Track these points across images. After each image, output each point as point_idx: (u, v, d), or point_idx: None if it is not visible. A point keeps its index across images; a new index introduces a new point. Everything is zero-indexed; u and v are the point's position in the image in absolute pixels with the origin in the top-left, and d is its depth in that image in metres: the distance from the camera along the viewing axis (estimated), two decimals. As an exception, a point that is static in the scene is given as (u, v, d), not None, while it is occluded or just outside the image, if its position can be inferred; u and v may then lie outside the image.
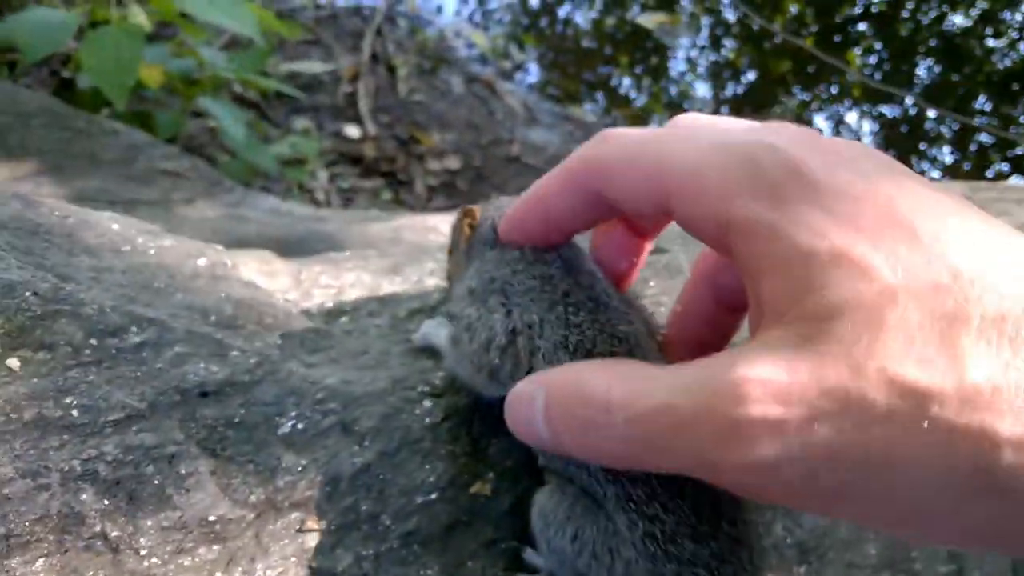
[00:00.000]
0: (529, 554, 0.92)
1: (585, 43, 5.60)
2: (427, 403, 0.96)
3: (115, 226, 1.08)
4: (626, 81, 5.33)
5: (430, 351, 1.04)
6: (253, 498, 0.84)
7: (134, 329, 0.87)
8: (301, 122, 3.56)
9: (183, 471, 0.82)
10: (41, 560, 0.77)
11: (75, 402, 0.81)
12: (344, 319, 1.16)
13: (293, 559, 0.84)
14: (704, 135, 0.68)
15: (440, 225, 2.05)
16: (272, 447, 0.87)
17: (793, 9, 5.53)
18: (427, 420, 0.94)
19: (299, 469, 0.87)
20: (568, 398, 0.72)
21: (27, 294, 0.85)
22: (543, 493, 0.89)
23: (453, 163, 3.69)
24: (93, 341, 0.85)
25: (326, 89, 3.80)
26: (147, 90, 3.05)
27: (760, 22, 4.87)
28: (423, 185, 3.61)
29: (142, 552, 0.79)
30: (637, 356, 0.85)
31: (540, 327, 0.88)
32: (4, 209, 1.01)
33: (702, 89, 5.35)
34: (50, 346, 0.83)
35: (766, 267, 0.60)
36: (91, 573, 0.78)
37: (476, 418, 0.96)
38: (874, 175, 0.60)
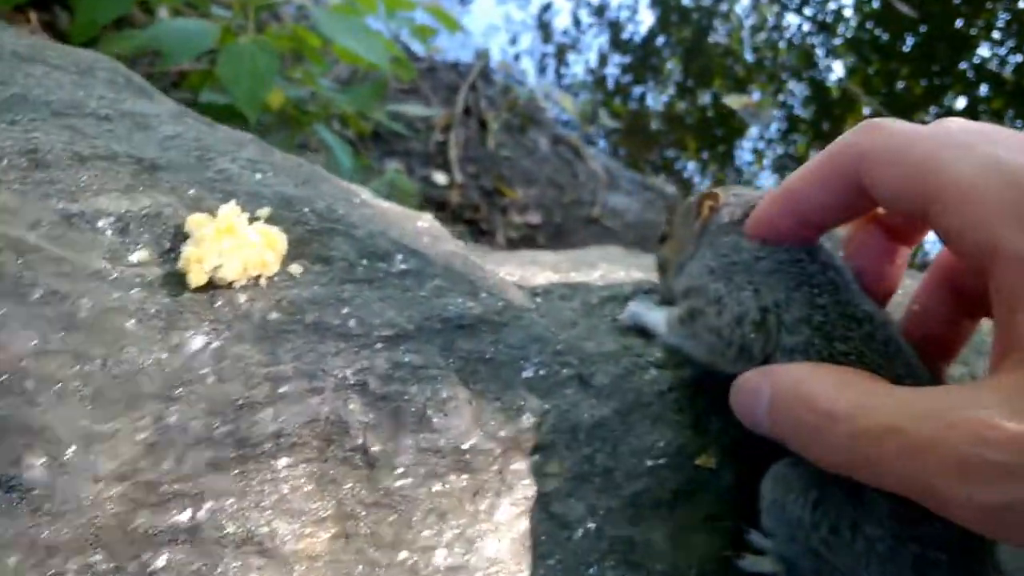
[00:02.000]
0: (755, 535, 0.89)
1: (655, 125, 5.69)
2: (653, 371, 0.95)
3: (340, 181, 1.10)
4: (691, 165, 5.40)
5: (638, 331, 1.03)
6: (502, 433, 0.83)
7: (400, 256, 0.87)
8: (393, 164, 3.64)
9: (444, 395, 0.81)
10: (304, 465, 0.76)
11: (351, 313, 0.81)
12: (538, 299, 1.16)
13: (533, 500, 0.82)
14: (978, 147, 0.64)
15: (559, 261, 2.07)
16: (517, 388, 0.86)
17: (867, 111, 5.61)
18: (655, 387, 0.93)
19: (541, 412, 0.86)
20: (794, 399, 0.72)
21: (305, 209, 0.86)
22: (782, 462, 0.87)
23: (534, 218, 3.74)
24: (364, 261, 0.85)
25: (419, 136, 3.88)
26: (264, 113, 3.13)
27: (857, 93, 4.95)
28: (504, 236, 3.65)
29: (398, 471, 0.78)
30: (877, 338, 0.85)
31: (787, 304, 0.88)
32: (245, 150, 1.03)
33: (768, 180, 5.40)
34: (327, 259, 0.84)
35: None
36: (348, 485, 0.77)
37: (700, 393, 0.95)
38: None
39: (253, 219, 0.80)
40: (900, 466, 0.62)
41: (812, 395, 0.72)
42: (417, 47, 4.71)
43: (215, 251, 0.74)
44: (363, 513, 0.76)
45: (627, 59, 6.25)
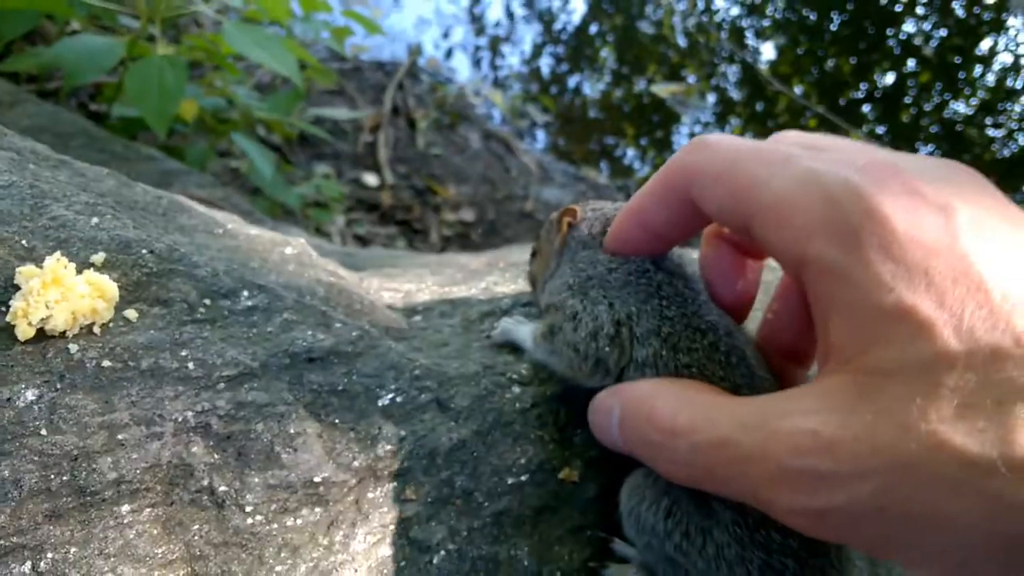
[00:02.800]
0: (619, 544, 0.92)
1: (592, 113, 5.73)
2: (516, 389, 0.97)
3: (203, 210, 1.10)
4: (630, 152, 5.44)
5: (510, 347, 1.05)
6: (356, 463, 0.85)
7: (245, 293, 0.88)
8: (322, 168, 3.62)
9: (292, 431, 0.83)
10: (148, 510, 0.77)
11: (190, 355, 0.82)
12: (417, 318, 1.18)
13: (391, 527, 0.85)
14: (800, 161, 0.66)
15: (470, 263, 2.08)
16: (372, 417, 0.88)
17: (798, 90, 5.70)
18: (517, 405, 0.95)
19: (398, 440, 0.88)
20: (639, 418, 0.76)
21: (144, 251, 0.86)
22: (637, 473, 0.90)
23: (468, 215, 3.74)
24: (207, 301, 0.86)
25: (347, 138, 3.86)
26: (179, 124, 3.10)
27: (779, 87, 5.01)
28: (438, 235, 3.65)
29: (247, 509, 0.80)
30: (720, 348, 0.88)
31: (638, 317, 0.91)
32: (102, 184, 1.03)
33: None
34: (166, 302, 0.84)
35: (834, 311, 0.61)
36: (196, 527, 0.78)
37: (563, 408, 0.97)
38: (956, 219, 0.58)
39: (88, 265, 0.80)
40: (731, 477, 0.65)
41: (655, 412, 0.75)
42: (347, 45, 4.70)
43: (42, 304, 0.75)
44: (212, 554, 0.77)
45: (561, 49, 6.27)
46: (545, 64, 6.21)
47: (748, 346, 0.91)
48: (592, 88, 6.10)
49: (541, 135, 5.53)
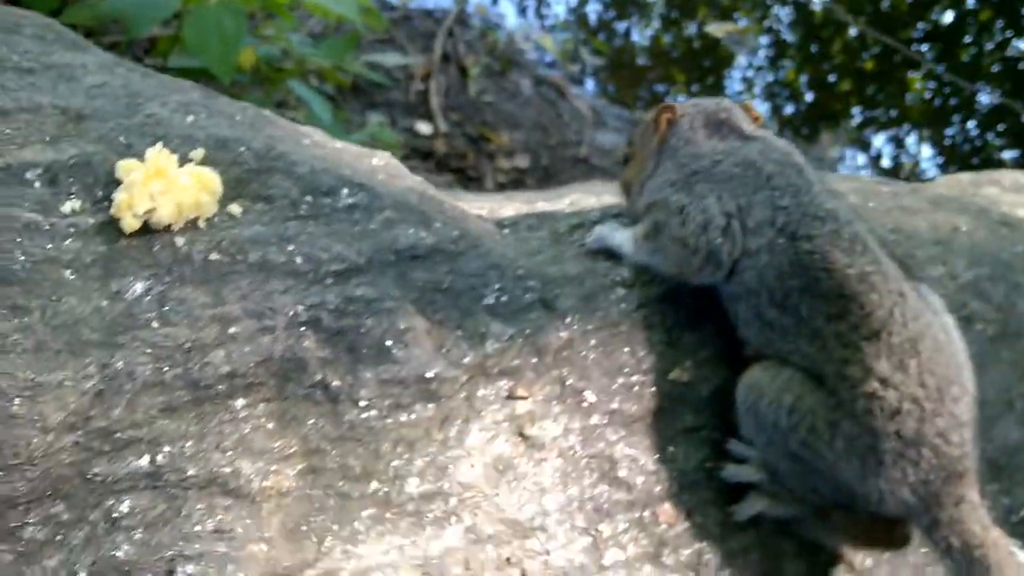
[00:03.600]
0: (735, 444, 0.88)
1: (642, 60, 5.61)
2: (620, 291, 0.93)
3: (287, 123, 1.07)
4: (681, 98, 5.32)
5: (605, 254, 1.01)
6: (466, 360, 0.82)
7: (345, 191, 0.86)
8: (376, 117, 3.58)
9: (401, 326, 0.80)
10: (263, 404, 0.75)
11: (297, 250, 0.80)
12: (505, 231, 1.14)
13: (504, 424, 0.82)
14: None
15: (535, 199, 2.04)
16: (478, 315, 0.85)
17: (853, 31, 5.51)
18: (622, 306, 0.92)
19: (506, 338, 0.85)
20: None
21: (241, 149, 0.84)
22: (756, 368, 0.86)
23: (522, 162, 3.68)
24: (309, 198, 0.84)
25: (399, 87, 3.82)
26: (238, 74, 3.08)
27: (844, 16, 4.85)
28: (492, 181, 3.61)
29: (361, 404, 0.78)
30: (845, 234, 0.84)
31: (748, 208, 0.87)
32: (189, 93, 1.00)
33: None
34: (268, 198, 0.82)
35: None
36: (311, 421, 0.76)
37: (670, 309, 0.93)
38: None
39: (186, 161, 0.78)
40: None
41: None
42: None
43: (146, 195, 0.73)
44: (329, 448, 0.76)
45: (607, -6, 6.13)
46: (592, 11, 6.10)
47: (870, 235, 0.87)
48: (641, 34, 5.98)
49: (591, 82, 5.44)
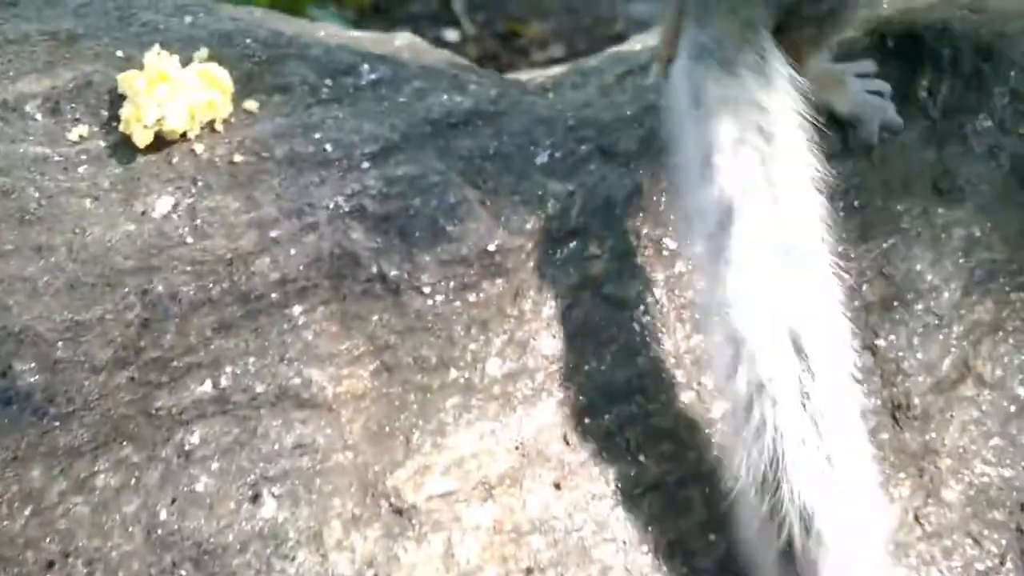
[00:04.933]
0: None
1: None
2: (685, 125, 0.83)
3: (300, 20, 0.99)
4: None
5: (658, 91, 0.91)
6: (529, 226, 0.75)
7: (366, 67, 0.79)
8: (401, 33, 3.47)
9: (452, 201, 0.73)
10: (321, 307, 0.70)
11: (325, 137, 0.73)
12: (550, 94, 1.05)
13: (581, 288, 0.75)
14: None
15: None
16: (533, 176, 0.77)
17: None
18: (691, 142, 0.82)
19: (567, 195, 0.77)
20: None
21: (248, 40, 0.77)
22: None
23: (558, 51, 3.54)
24: (328, 81, 0.77)
25: None
26: (254, 4, 2.99)
27: None
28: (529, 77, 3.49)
29: (425, 290, 0.71)
30: None
31: None
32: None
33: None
34: (284, 88, 0.75)
35: None
36: (375, 317, 0.70)
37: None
38: None
39: (190, 62, 0.71)
40: None
41: None
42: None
43: (152, 104, 0.66)
44: (399, 342, 0.70)
45: None
46: None
47: None
48: None
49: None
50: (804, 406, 0.61)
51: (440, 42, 3.76)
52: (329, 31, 0.96)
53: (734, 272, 0.63)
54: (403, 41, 0.97)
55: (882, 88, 0.85)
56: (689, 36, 0.76)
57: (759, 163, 0.66)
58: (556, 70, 1.12)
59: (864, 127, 0.83)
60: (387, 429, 0.68)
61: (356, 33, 1.00)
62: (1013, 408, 0.79)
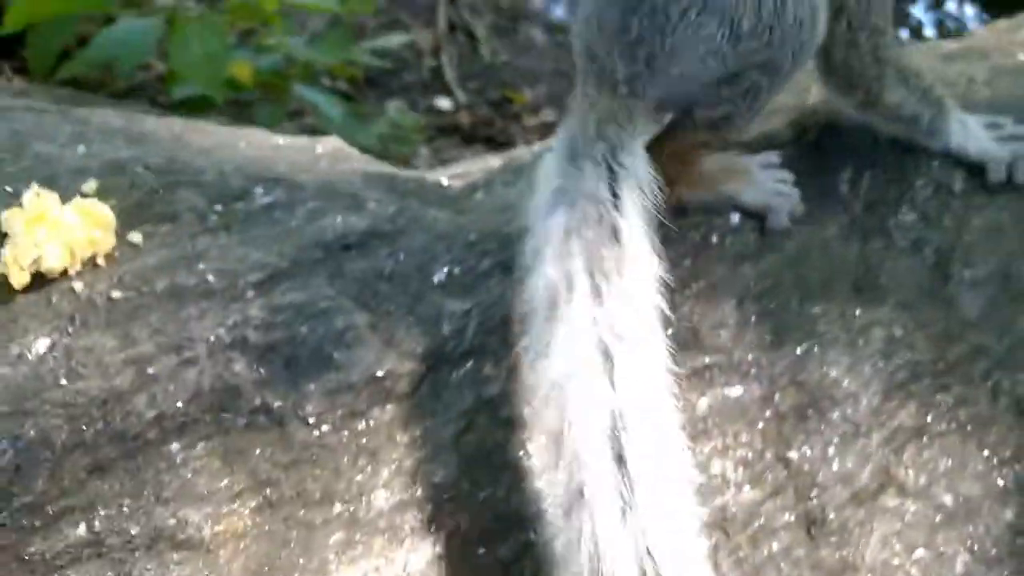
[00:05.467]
0: None
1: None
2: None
3: (227, 130, 0.99)
4: None
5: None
6: (421, 349, 0.73)
7: (260, 190, 0.78)
8: (395, 104, 3.50)
9: (340, 327, 0.71)
10: (202, 443, 0.68)
11: (209, 267, 0.72)
12: (479, 194, 1.04)
13: (476, 410, 0.73)
14: None
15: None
16: (429, 296, 0.77)
17: None
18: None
19: (463, 314, 0.76)
20: None
21: (139, 169, 0.77)
22: None
23: (549, 115, 3.55)
24: (219, 207, 0.76)
25: (411, 68, 3.72)
26: (244, 90, 3.02)
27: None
28: (524, 142, 3.49)
29: (310, 420, 0.70)
30: None
31: None
32: (112, 121, 0.93)
33: None
34: (172, 216, 0.75)
35: None
36: (258, 451, 0.69)
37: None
38: None
39: (80, 196, 0.71)
40: None
41: None
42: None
43: (30, 244, 0.66)
44: (283, 476, 0.69)
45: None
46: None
47: None
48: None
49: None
50: (624, 516, 0.58)
51: (433, 110, 3.80)
52: (253, 139, 0.96)
53: (551, 365, 0.62)
54: (326, 147, 0.98)
55: (786, 178, 0.84)
56: (559, 129, 0.76)
57: (588, 254, 0.64)
58: (493, 163, 1.11)
59: (774, 216, 0.82)
60: (267, 569, 0.66)
61: (281, 140, 1.00)
62: (939, 517, 0.76)
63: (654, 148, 0.75)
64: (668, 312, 0.67)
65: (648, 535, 0.58)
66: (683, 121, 0.77)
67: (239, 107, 3.33)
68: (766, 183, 0.83)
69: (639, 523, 0.58)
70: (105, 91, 3.43)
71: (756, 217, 0.83)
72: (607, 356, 0.62)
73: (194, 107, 3.02)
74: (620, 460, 0.59)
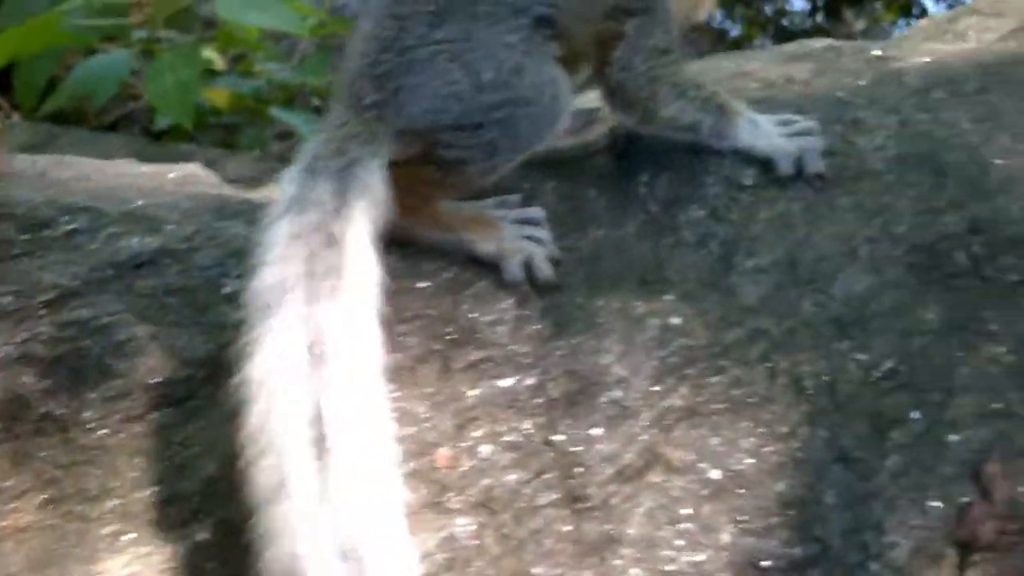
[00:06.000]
0: None
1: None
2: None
3: (97, 162, 1.07)
4: None
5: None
6: (202, 356, 0.80)
7: (65, 219, 0.86)
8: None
9: (120, 338, 0.78)
10: (-6, 448, 0.75)
11: (6, 290, 0.80)
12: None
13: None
14: None
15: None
16: (217, 306, 0.83)
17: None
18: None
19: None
20: None
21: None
22: None
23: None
24: (26, 236, 0.84)
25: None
26: (224, 115, 3.09)
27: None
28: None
29: (90, 425, 0.77)
30: None
31: None
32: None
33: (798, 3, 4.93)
34: (-20, 247, 0.82)
35: None
36: (43, 454, 0.76)
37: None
38: None
39: None
40: None
41: None
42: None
43: None
44: (64, 475, 0.76)
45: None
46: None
47: None
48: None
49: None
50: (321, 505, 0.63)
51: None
52: (117, 169, 1.04)
53: (259, 362, 0.67)
54: (179, 173, 1.05)
55: (541, 236, 0.86)
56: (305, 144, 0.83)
57: (309, 258, 0.70)
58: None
59: (506, 269, 0.84)
60: (45, 558, 0.72)
61: (145, 168, 1.08)
62: (706, 491, 0.78)
63: (393, 170, 0.80)
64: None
65: (346, 523, 0.63)
66: (421, 154, 0.83)
67: (227, 131, 3.41)
68: (511, 237, 0.85)
69: (337, 511, 0.63)
70: (95, 123, 3.52)
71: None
72: (315, 354, 0.67)
73: (178, 135, 3.11)
74: (321, 451, 0.64)
